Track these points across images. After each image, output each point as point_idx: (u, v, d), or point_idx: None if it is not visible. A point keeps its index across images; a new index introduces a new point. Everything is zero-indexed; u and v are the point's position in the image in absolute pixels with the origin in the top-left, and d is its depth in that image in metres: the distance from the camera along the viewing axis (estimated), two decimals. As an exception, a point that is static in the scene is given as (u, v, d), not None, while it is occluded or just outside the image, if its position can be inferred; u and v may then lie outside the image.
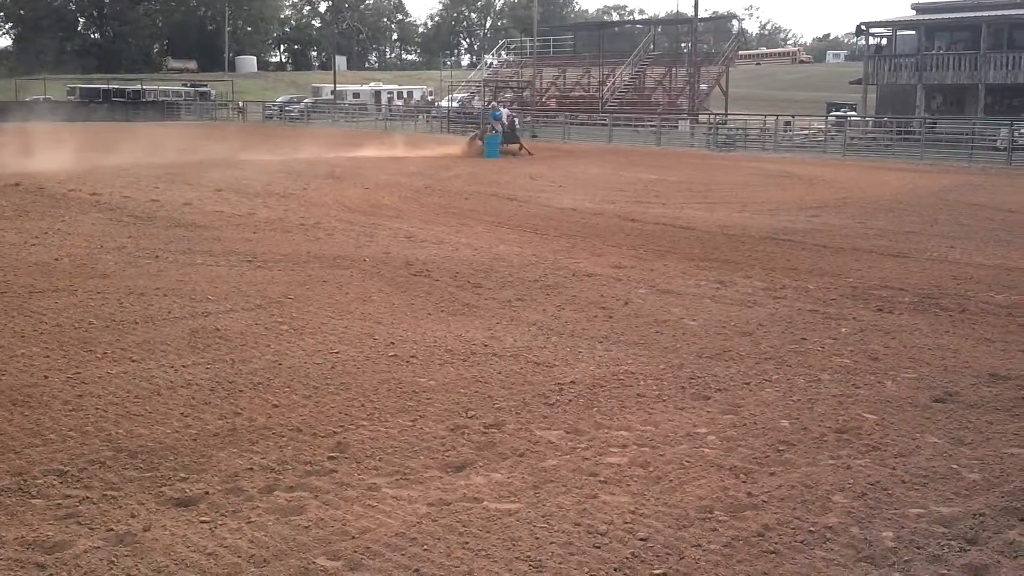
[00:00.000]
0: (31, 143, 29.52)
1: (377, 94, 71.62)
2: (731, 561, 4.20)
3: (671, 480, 5.08)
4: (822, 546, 4.35)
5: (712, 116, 46.85)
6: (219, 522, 4.51)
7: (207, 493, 4.82)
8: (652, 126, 44.18)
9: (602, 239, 13.71)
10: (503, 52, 69.73)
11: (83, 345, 7.55)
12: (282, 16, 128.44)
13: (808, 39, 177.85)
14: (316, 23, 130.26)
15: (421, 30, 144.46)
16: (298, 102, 67.60)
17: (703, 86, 55.21)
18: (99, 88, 69.60)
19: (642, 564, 4.18)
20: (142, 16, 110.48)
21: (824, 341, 8.08)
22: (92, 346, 7.52)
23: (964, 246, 13.56)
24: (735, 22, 74.08)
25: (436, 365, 7.20)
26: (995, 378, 7.03)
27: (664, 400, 6.47)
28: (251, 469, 5.13)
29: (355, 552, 4.23)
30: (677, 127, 46.00)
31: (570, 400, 6.42)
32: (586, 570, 4.11)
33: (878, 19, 49.55)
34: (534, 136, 39.84)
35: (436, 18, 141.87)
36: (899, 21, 45.71)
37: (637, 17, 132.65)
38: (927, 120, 38.27)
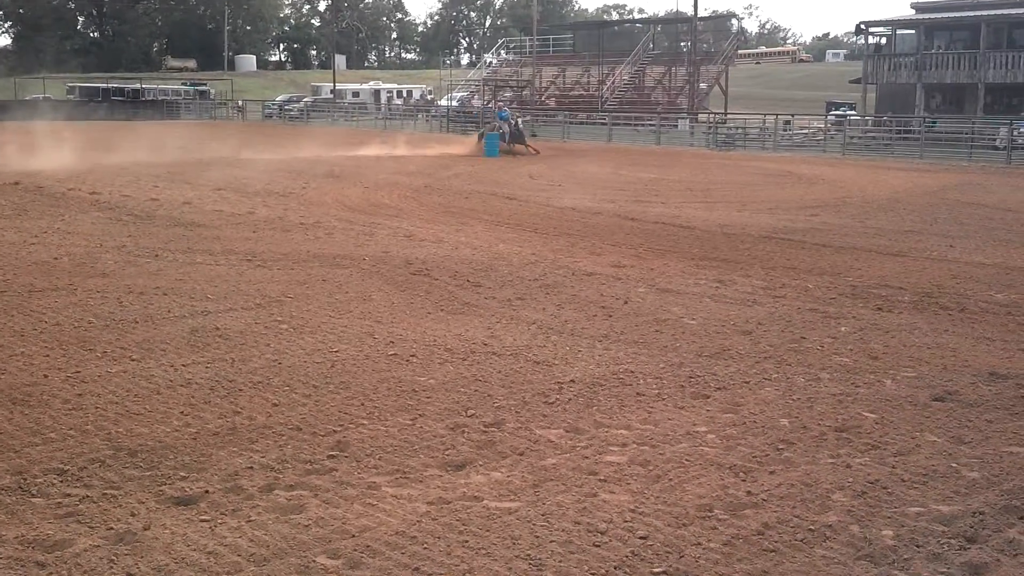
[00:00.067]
0: (30, 142, 29.54)
1: (376, 93, 71.57)
2: (731, 559, 4.21)
3: (671, 479, 5.09)
4: (822, 544, 4.36)
5: (712, 115, 46.82)
6: (219, 521, 4.51)
7: (207, 492, 4.82)
8: (652, 125, 44.17)
9: (601, 238, 13.71)
10: (503, 51, 69.67)
11: (83, 344, 7.55)
12: (281, 15, 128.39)
13: (808, 38, 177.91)
14: (315, 22, 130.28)
15: (421, 29, 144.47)
16: (297, 101, 67.57)
17: (703, 85, 55.19)
18: (98, 87, 69.65)
19: (642, 562, 4.18)
20: (141, 15, 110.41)
21: (824, 340, 8.08)
22: (92, 345, 7.52)
23: (963, 245, 13.56)
24: (735, 21, 74.14)
25: (436, 364, 7.21)
26: (994, 377, 7.03)
27: (664, 399, 6.48)
28: (251, 468, 5.14)
29: (355, 550, 4.24)
30: (677, 126, 45.97)
31: (570, 399, 6.42)
32: (586, 568, 4.12)
33: (878, 18, 49.59)
34: (533, 135, 39.82)
35: (436, 17, 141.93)
36: (899, 20, 45.70)
37: (637, 16, 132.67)
38: (926, 119, 38.27)
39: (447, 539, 4.36)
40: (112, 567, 4.08)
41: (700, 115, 49.31)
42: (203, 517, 4.55)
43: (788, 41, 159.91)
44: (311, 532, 4.40)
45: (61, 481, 4.92)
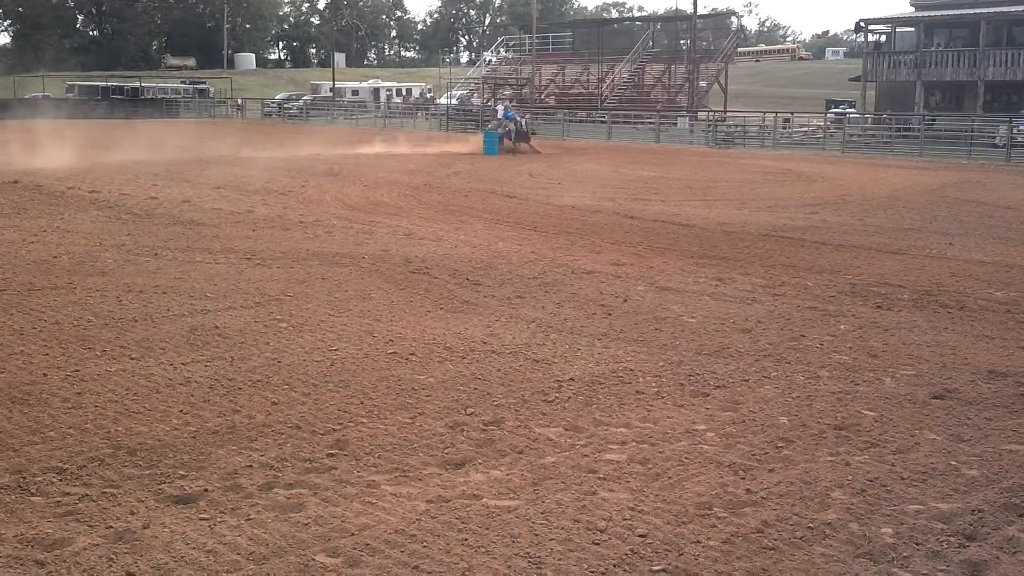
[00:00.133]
0: (29, 140, 29.54)
1: (376, 91, 71.57)
2: (730, 557, 4.21)
3: (670, 477, 5.09)
4: (821, 542, 4.36)
5: (711, 113, 46.82)
6: (218, 519, 4.51)
7: (206, 490, 4.82)
8: (651, 123, 44.18)
9: (601, 236, 13.71)
10: (502, 49, 69.68)
11: (82, 343, 7.55)
12: (281, 13, 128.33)
13: (807, 36, 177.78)
14: (315, 20, 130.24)
15: (420, 27, 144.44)
16: (297, 99, 67.55)
17: (702, 83, 55.16)
18: (98, 85, 69.58)
19: (641, 560, 4.18)
20: (141, 13, 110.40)
21: (823, 338, 8.08)
22: (91, 344, 7.52)
23: (963, 243, 13.57)
24: (734, 19, 74.18)
25: (435, 362, 7.21)
26: (994, 375, 7.04)
27: (663, 397, 6.48)
28: (250, 466, 5.13)
29: (354, 549, 4.24)
30: (676, 124, 45.98)
31: (569, 397, 6.42)
32: (585, 567, 4.12)
33: (877, 16, 49.58)
34: (533, 133, 39.82)
35: (435, 15, 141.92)
36: (898, 18, 45.71)
37: (636, 14, 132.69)
38: (926, 117, 38.28)
39: (446, 537, 4.36)
40: (111, 566, 4.08)
41: (700, 113, 49.32)
42: (202, 515, 4.55)
43: (788, 39, 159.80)
44: (310, 530, 4.40)
45: (60, 480, 4.92)
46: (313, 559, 4.15)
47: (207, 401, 6.21)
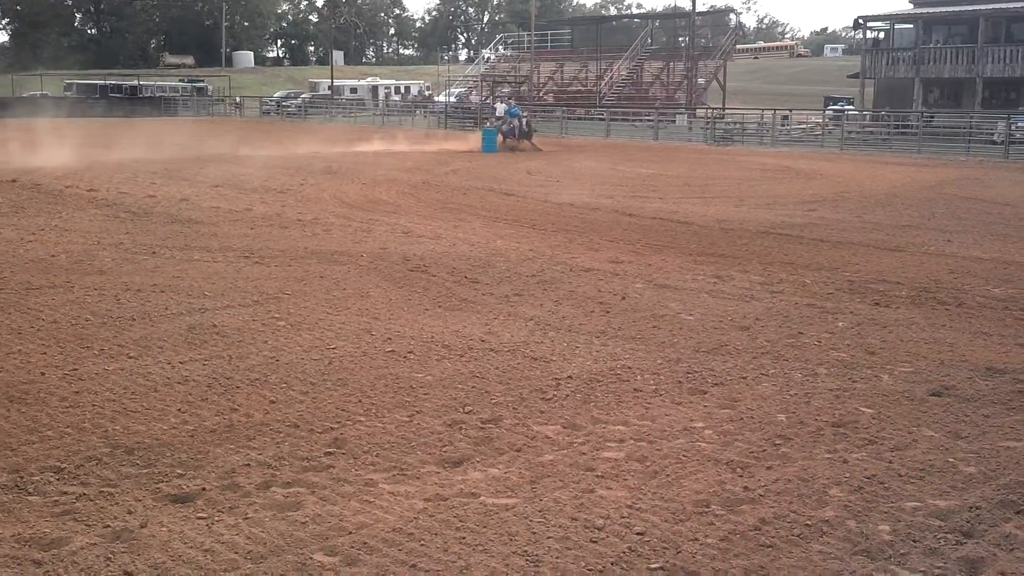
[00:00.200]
0: (27, 139, 29.52)
1: (374, 89, 71.56)
2: (728, 555, 4.21)
3: (668, 474, 5.09)
4: (819, 540, 4.36)
5: (710, 110, 46.80)
6: (216, 518, 4.51)
7: (204, 489, 4.82)
8: (650, 120, 44.16)
9: (599, 234, 13.71)
10: (500, 46, 69.66)
11: (80, 342, 7.54)
12: (279, 11, 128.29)
13: (806, 33, 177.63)
14: (313, 18, 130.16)
15: (418, 25, 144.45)
16: (295, 97, 67.51)
17: (701, 80, 55.14)
18: (96, 84, 69.50)
19: (639, 558, 4.18)
20: (139, 11, 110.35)
21: (821, 335, 8.08)
22: (89, 343, 7.52)
23: (961, 240, 13.57)
24: (733, 16, 73.87)
25: (433, 360, 7.21)
26: (992, 372, 7.04)
27: (661, 395, 6.48)
28: (248, 465, 5.13)
29: (352, 547, 4.24)
30: (675, 121, 45.95)
31: (567, 395, 6.42)
32: (583, 564, 4.12)
33: (876, 13, 49.59)
34: (535, 130, 39.76)
35: (433, 12, 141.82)
36: (897, 15, 45.71)
37: (635, 11, 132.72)
38: (924, 114, 38.29)
39: (444, 535, 4.36)
40: (109, 565, 4.08)
41: (698, 110, 49.27)
42: (200, 515, 4.54)
43: (786, 36, 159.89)
44: (308, 529, 4.40)
45: (58, 479, 4.92)
46: (311, 558, 4.15)
47: (205, 400, 6.21)
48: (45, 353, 7.23)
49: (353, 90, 70.82)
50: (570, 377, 6.81)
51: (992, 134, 34.19)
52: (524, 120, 34.21)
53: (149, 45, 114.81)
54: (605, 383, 6.69)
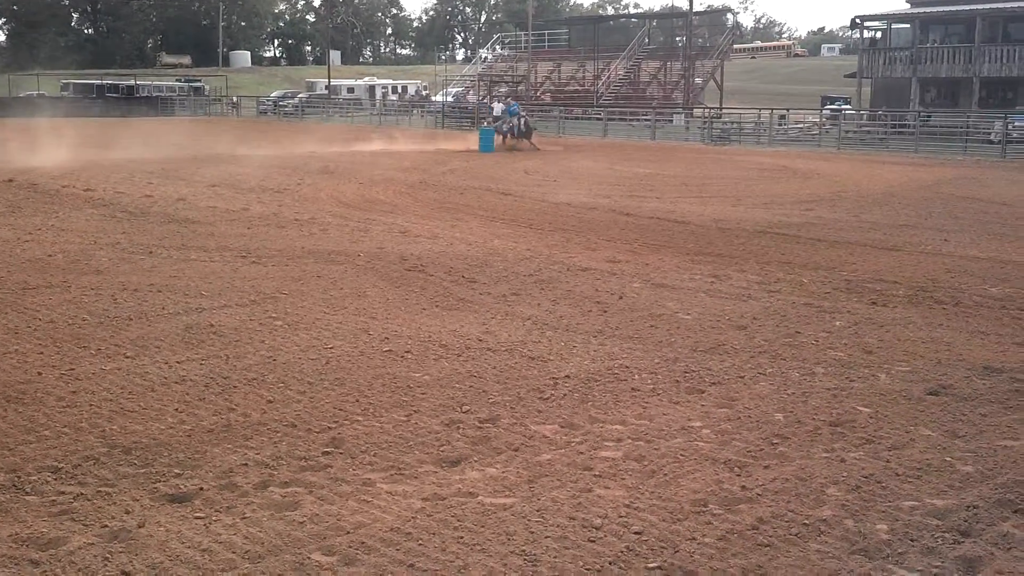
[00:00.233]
0: (23, 139, 29.49)
1: (371, 89, 71.56)
2: (725, 554, 4.21)
3: (665, 474, 5.09)
4: (816, 539, 4.36)
5: (707, 110, 46.83)
6: (213, 518, 4.50)
7: (201, 489, 4.81)
8: (647, 120, 44.18)
9: (597, 233, 13.71)
10: (498, 46, 69.64)
11: (77, 341, 7.53)
12: (276, 11, 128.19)
13: (803, 32, 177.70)
14: (310, 18, 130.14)
15: (415, 24, 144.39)
16: (292, 97, 67.48)
17: (698, 80, 55.19)
18: (93, 84, 69.44)
19: (637, 558, 4.18)
20: (136, 11, 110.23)
21: (818, 334, 8.09)
22: (86, 342, 7.51)
23: (958, 239, 13.59)
24: (730, 16, 74.00)
25: (431, 360, 7.20)
26: (989, 371, 7.05)
27: (658, 394, 6.48)
28: (245, 465, 5.13)
29: (350, 547, 4.23)
30: (672, 121, 45.98)
31: (565, 394, 6.42)
32: (581, 564, 4.12)
33: (873, 12, 49.59)
34: (534, 129, 39.73)
35: (430, 12, 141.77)
36: (894, 14, 45.76)
37: (632, 11, 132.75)
38: (921, 113, 38.32)
39: (442, 535, 4.36)
40: (106, 565, 4.07)
41: (695, 110, 49.30)
42: (197, 514, 4.54)
43: (783, 36, 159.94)
44: (306, 529, 4.40)
45: (55, 479, 4.92)
46: (309, 557, 4.14)
47: (202, 399, 6.20)
48: (42, 353, 7.22)
49: (350, 90, 70.82)
50: (568, 376, 6.81)
51: (989, 133, 34.23)
52: (522, 119, 34.14)
53: (146, 45, 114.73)
54: (603, 382, 6.69)
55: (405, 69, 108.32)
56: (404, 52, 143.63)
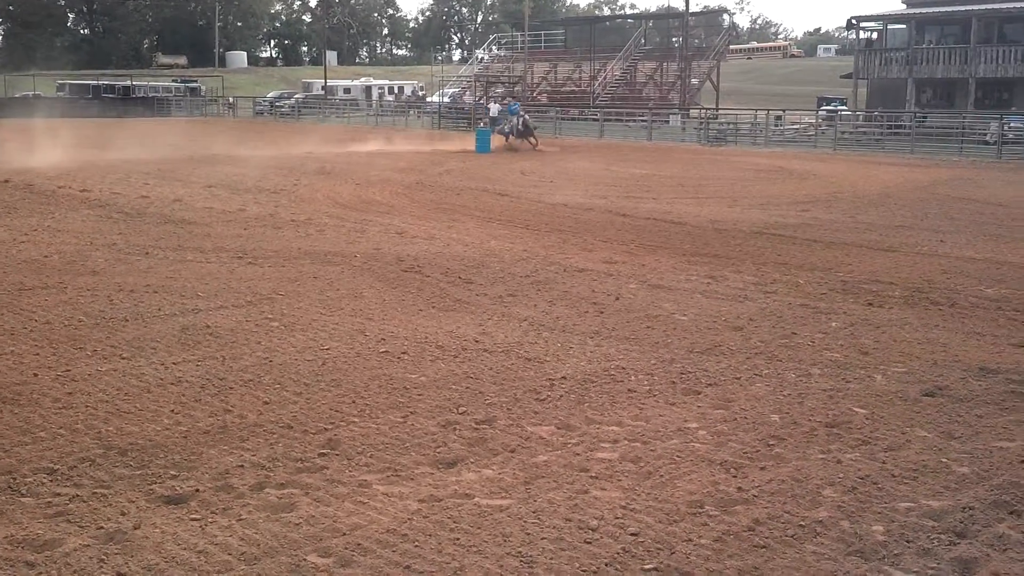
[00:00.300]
0: (19, 139, 29.45)
1: (368, 89, 71.53)
2: (721, 555, 4.21)
3: (662, 475, 5.09)
4: (812, 540, 4.36)
5: (703, 111, 46.86)
6: (210, 519, 4.50)
7: (197, 491, 4.81)
8: (643, 121, 44.19)
9: (593, 234, 13.71)
10: (494, 47, 69.66)
11: (73, 343, 7.52)
12: (272, 11, 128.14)
13: (799, 33, 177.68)
14: (306, 18, 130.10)
15: (412, 25, 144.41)
16: (288, 98, 67.45)
17: (694, 81, 55.23)
18: (88, 84, 69.37)
19: (633, 559, 4.18)
20: (132, 12, 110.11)
21: (814, 335, 8.09)
22: (82, 343, 7.50)
23: (954, 240, 13.60)
24: (726, 16, 74.00)
25: (427, 361, 7.20)
26: (985, 372, 7.05)
27: (655, 395, 6.48)
28: (242, 466, 5.13)
29: (346, 549, 4.23)
30: (668, 122, 46.01)
31: (561, 396, 6.42)
32: (577, 565, 4.12)
33: (869, 13, 49.68)
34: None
35: (427, 13, 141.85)
36: (890, 15, 45.81)
37: (628, 12, 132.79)
38: (917, 114, 38.36)
39: (438, 537, 4.36)
40: (102, 566, 4.07)
41: (691, 111, 49.34)
42: (193, 516, 4.54)
43: (779, 36, 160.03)
44: (302, 530, 4.40)
45: (51, 480, 4.91)
46: (304, 559, 4.14)
47: (198, 401, 6.19)
48: (38, 354, 7.21)
49: (347, 90, 70.79)
50: (564, 378, 6.81)
51: (985, 134, 34.28)
52: (521, 119, 34.03)
53: (142, 45, 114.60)
54: (599, 384, 6.70)
55: (401, 70, 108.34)
56: (400, 53, 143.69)
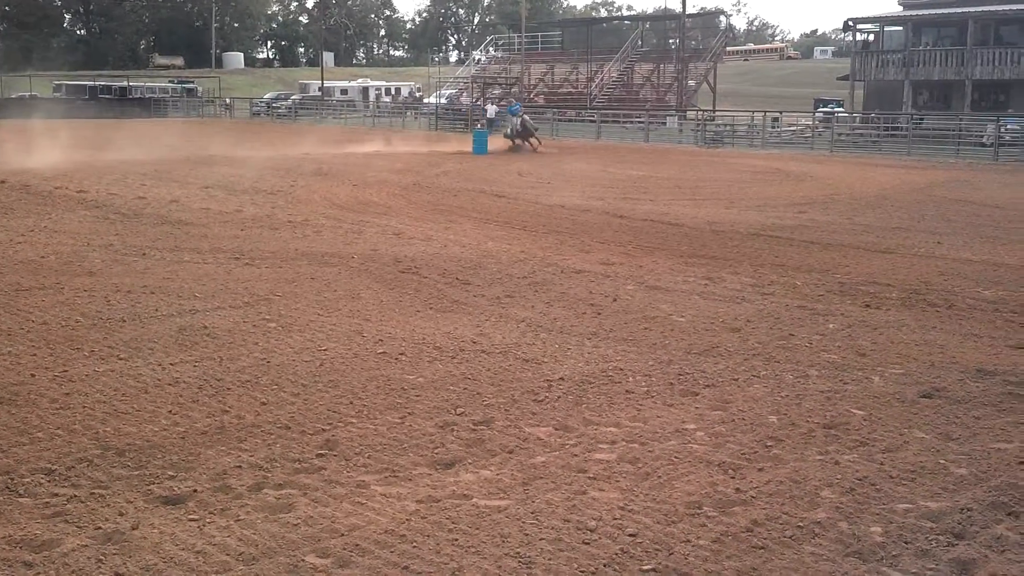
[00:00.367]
0: (15, 140, 29.41)
1: (365, 90, 71.53)
2: (720, 556, 4.21)
3: (660, 476, 5.09)
4: (810, 541, 4.37)
5: (700, 112, 46.90)
6: (208, 520, 4.49)
7: (195, 491, 4.80)
8: (640, 123, 44.21)
9: (590, 236, 13.71)
10: (491, 48, 69.69)
11: (70, 343, 7.51)
12: (269, 12, 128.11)
13: (796, 35, 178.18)
14: (303, 19, 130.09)
15: (409, 26, 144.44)
16: (285, 99, 67.43)
17: (691, 82, 55.28)
18: (85, 85, 69.31)
19: (631, 560, 4.18)
20: (128, 12, 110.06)
21: (812, 337, 8.10)
22: (79, 344, 7.49)
23: (951, 242, 13.62)
24: (723, 18, 74.36)
25: (425, 362, 7.20)
26: (982, 373, 7.06)
27: (653, 396, 6.48)
28: (239, 467, 5.12)
29: (344, 549, 4.23)
30: (665, 123, 46.08)
31: (559, 397, 6.42)
32: (575, 566, 4.12)
33: (866, 15, 49.68)
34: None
35: (424, 14, 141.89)
36: (886, 17, 45.84)
37: (625, 13, 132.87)
38: (914, 116, 38.40)
39: (436, 537, 4.36)
40: (100, 567, 4.06)
41: (688, 112, 49.39)
42: (191, 516, 4.53)
43: (776, 38, 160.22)
44: (300, 531, 4.39)
45: (49, 481, 4.90)
46: (303, 560, 4.14)
47: (196, 401, 6.19)
48: (35, 355, 7.20)
49: (343, 92, 70.78)
50: (562, 379, 6.81)
51: (981, 136, 34.32)
52: (519, 120, 33.98)
53: (139, 46, 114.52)
54: (597, 385, 6.70)
55: (398, 71, 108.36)
56: (397, 54, 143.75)
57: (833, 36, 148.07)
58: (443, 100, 58.44)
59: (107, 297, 9.13)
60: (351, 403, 6.21)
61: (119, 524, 4.43)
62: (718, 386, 6.72)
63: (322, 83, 68.99)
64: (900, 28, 44.94)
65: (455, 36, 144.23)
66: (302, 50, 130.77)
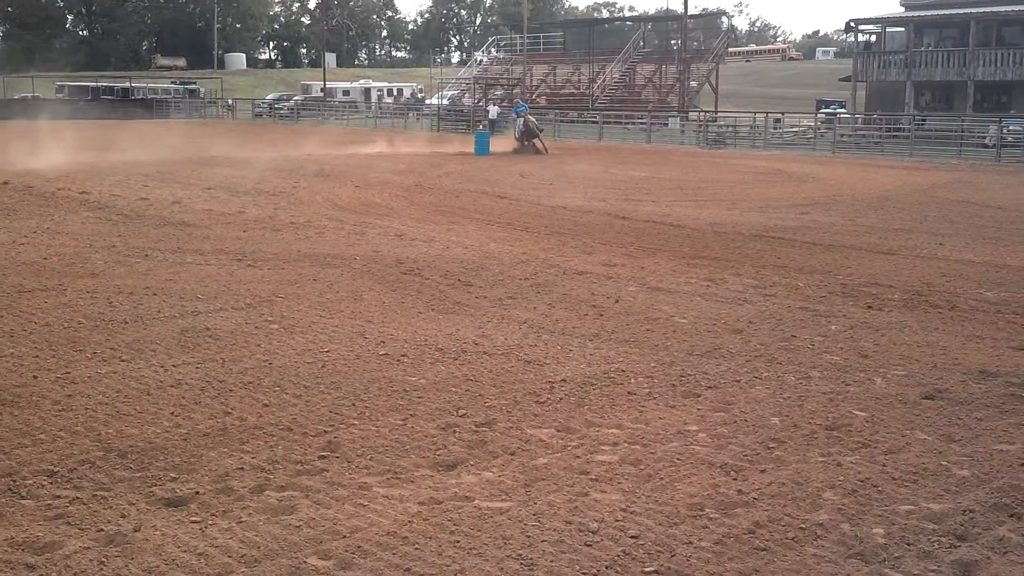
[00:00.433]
0: (18, 141, 29.45)
1: (367, 91, 71.57)
2: (722, 558, 4.21)
3: (662, 478, 5.09)
4: (813, 543, 4.36)
5: (702, 113, 46.90)
6: (209, 522, 4.50)
7: (197, 493, 4.81)
8: (642, 123, 44.22)
9: (592, 237, 13.71)
10: (493, 49, 69.67)
11: (72, 345, 7.52)
12: (271, 13, 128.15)
13: (798, 36, 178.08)
14: (305, 20, 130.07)
15: (411, 27, 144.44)
16: (288, 100, 67.48)
17: (693, 83, 55.25)
18: (87, 86, 69.39)
19: (633, 562, 4.18)
20: (131, 13, 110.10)
21: (814, 338, 8.10)
22: (81, 346, 7.49)
23: (953, 243, 13.61)
24: (725, 19, 74.29)
25: (427, 364, 7.20)
26: (984, 375, 7.05)
27: (655, 398, 6.48)
28: (241, 469, 5.12)
29: (346, 551, 4.23)
30: (667, 124, 46.04)
31: (561, 398, 6.42)
32: (577, 568, 4.12)
33: (867, 16, 49.69)
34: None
35: (426, 15, 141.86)
36: (888, 18, 45.83)
37: (627, 14, 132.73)
38: (916, 117, 38.38)
39: (438, 539, 4.36)
40: (102, 569, 4.06)
41: (690, 113, 49.38)
42: (193, 518, 4.53)
43: (778, 39, 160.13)
44: (302, 533, 4.40)
45: (51, 483, 4.91)
46: (305, 561, 4.14)
47: (198, 403, 6.19)
48: (37, 356, 7.20)
49: (345, 92, 70.82)
50: (564, 380, 6.81)
51: (984, 137, 34.31)
52: (522, 120, 33.91)
53: (141, 47, 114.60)
54: (599, 386, 6.70)
55: (400, 72, 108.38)
56: (399, 55, 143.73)
57: (835, 37, 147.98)
58: (445, 101, 58.46)
59: (109, 299, 9.13)
60: (353, 405, 6.22)
61: (121, 526, 4.44)
62: (720, 388, 6.72)
63: (324, 84, 69.05)
64: (902, 29, 44.95)
65: (457, 37, 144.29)
66: (304, 51, 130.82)
